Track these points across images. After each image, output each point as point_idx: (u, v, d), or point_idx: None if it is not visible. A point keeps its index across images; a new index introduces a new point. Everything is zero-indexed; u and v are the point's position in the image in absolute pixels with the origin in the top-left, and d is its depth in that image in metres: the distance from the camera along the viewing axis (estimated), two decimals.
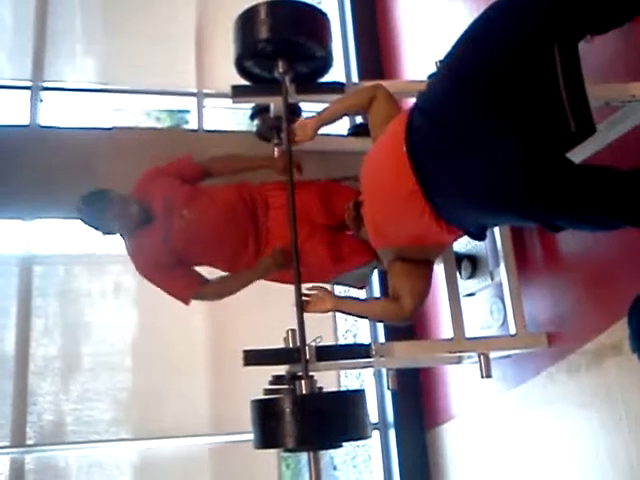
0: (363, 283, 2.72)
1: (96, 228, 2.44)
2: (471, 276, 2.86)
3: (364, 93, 2.20)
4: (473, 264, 2.86)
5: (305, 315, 2.10)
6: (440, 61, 1.85)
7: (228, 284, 2.48)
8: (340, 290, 3.05)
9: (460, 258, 2.88)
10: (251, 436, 2.00)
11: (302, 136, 2.28)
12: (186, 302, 2.45)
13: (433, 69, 2.25)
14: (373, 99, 2.16)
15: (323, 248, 2.45)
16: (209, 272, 2.52)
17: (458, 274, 2.80)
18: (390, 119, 2.02)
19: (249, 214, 2.46)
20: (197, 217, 2.41)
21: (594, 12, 1.65)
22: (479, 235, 1.94)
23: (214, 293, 2.49)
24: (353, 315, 2.38)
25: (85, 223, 2.42)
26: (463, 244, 2.88)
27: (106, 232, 2.47)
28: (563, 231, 1.80)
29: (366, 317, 2.48)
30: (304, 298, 2.15)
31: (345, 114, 2.33)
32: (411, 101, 1.96)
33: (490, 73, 1.63)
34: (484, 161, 1.67)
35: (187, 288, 2.44)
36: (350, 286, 2.76)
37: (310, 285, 2.22)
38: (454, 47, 1.77)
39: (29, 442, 3.20)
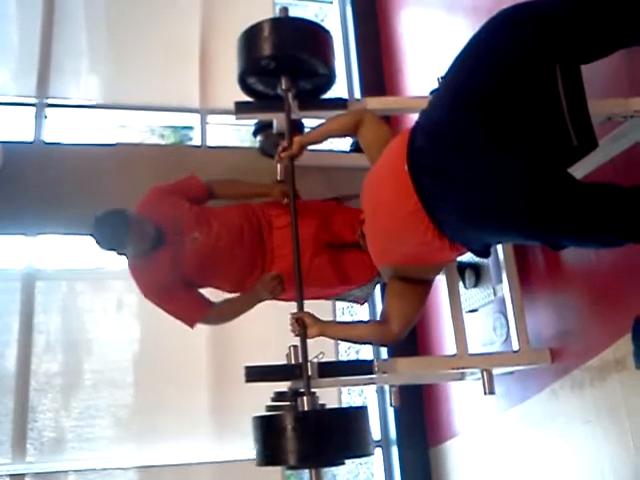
0: (365, 299, 2.73)
1: (111, 249, 2.37)
2: (475, 285, 2.84)
3: (350, 117, 2.23)
4: (476, 273, 2.84)
5: None
6: (442, 77, 1.85)
7: (229, 307, 2.48)
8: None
9: (463, 267, 2.87)
10: (253, 453, 1.99)
11: (288, 152, 2.29)
12: (192, 326, 2.44)
13: (435, 85, 2.26)
14: (360, 123, 2.18)
15: (329, 268, 2.48)
16: (210, 293, 2.54)
17: (462, 284, 2.79)
18: (380, 141, 2.05)
19: (256, 235, 2.48)
20: (208, 239, 2.40)
21: (595, 27, 1.65)
22: (483, 252, 1.94)
23: (218, 316, 2.49)
24: (339, 340, 2.36)
25: (99, 244, 2.35)
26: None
27: (121, 253, 2.40)
28: (565, 249, 1.80)
29: (351, 341, 2.45)
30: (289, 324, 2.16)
31: (332, 136, 2.35)
32: (414, 117, 1.96)
33: (490, 90, 1.63)
34: (486, 180, 1.67)
35: (195, 312, 2.42)
36: (352, 302, 2.76)
37: (294, 311, 2.20)
38: (454, 64, 1.78)
39: (29, 459, 3.17)
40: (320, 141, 2.33)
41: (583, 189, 1.67)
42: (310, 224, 2.48)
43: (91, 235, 2.34)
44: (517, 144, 1.61)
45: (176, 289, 2.39)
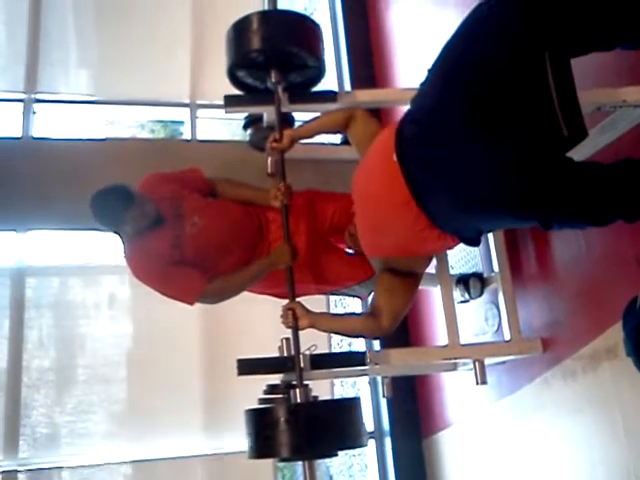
0: (368, 295, 2.71)
1: (108, 225, 2.29)
2: (480, 294, 2.82)
3: (340, 114, 2.22)
4: (482, 283, 2.81)
5: None
6: (430, 68, 1.85)
7: (235, 278, 2.37)
8: None
9: (467, 278, 2.84)
10: (245, 446, 1.99)
11: (278, 145, 2.28)
12: (191, 303, 2.34)
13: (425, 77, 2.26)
14: (350, 120, 2.18)
15: (325, 263, 2.46)
16: None
17: (467, 294, 2.79)
18: (370, 137, 2.03)
19: (256, 226, 2.46)
20: (208, 225, 2.37)
21: (582, 19, 1.66)
22: (474, 240, 1.94)
23: (220, 289, 2.36)
24: (330, 332, 2.34)
25: (97, 219, 2.25)
26: (465, 266, 2.89)
27: (117, 230, 2.31)
28: (557, 237, 1.81)
29: (342, 334, 2.43)
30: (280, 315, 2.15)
31: (322, 132, 2.34)
32: (404, 110, 1.96)
33: (480, 80, 1.64)
34: (477, 167, 1.68)
35: (193, 288, 2.32)
36: (354, 296, 2.75)
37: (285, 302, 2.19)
38: (444, 50, 1.78)
39: (22, 455, 3.17)
40: (311, 136, 2.32)
41: (576, 168, 1.67)
42: (301, 217, 2.47)
43: (91, 209, 2.24)
44: (507, 133, 1.62)
45: (171, 268, 2.31)
